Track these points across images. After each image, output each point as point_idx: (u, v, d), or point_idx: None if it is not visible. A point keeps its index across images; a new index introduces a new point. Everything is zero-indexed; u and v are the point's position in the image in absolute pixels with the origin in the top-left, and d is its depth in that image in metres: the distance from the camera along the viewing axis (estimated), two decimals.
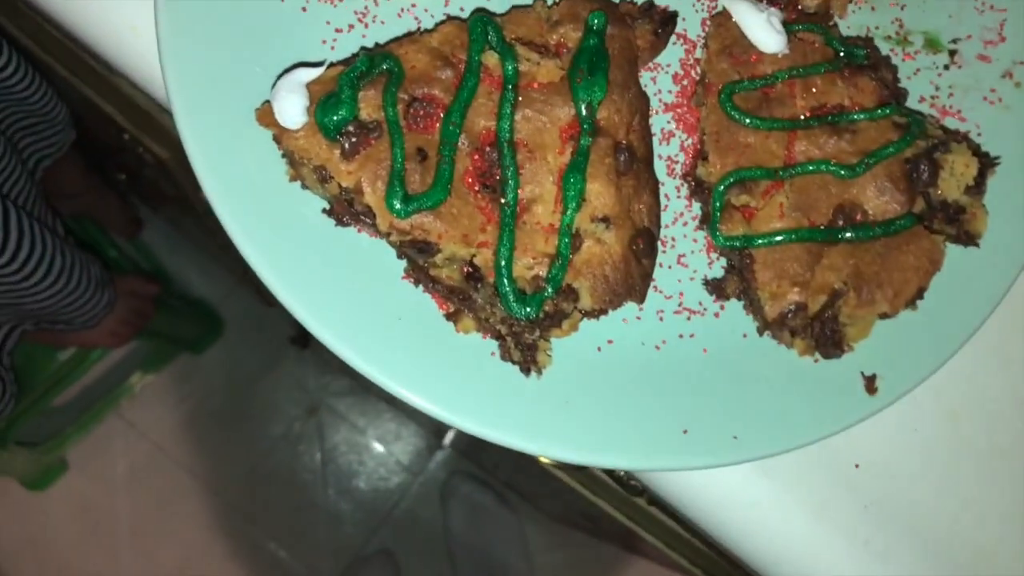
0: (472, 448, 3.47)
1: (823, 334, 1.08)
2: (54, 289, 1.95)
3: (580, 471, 1.72)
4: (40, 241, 1.85)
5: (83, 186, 2.76)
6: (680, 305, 1.14)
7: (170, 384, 3.34)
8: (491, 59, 1.06)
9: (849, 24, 1.24)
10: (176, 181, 2.18)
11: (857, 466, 1.21)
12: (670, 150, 1.18)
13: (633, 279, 1.06)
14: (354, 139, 1.02)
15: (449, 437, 3.56)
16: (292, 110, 1.01)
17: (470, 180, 1.04)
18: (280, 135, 1.02)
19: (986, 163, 1.13)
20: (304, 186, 1.06)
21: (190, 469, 3.31)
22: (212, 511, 3.31)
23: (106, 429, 3.21)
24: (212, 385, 3.44)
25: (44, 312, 2.09)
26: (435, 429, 3.53)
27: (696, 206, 1.17)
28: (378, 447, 3.56)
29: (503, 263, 1.02)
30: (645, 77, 1.19)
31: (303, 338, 3.44)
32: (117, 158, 2.65)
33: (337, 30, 1.13)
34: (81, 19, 1.17)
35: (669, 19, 1.15)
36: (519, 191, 1.04)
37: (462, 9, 1.16)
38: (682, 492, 1.22)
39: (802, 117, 1.11)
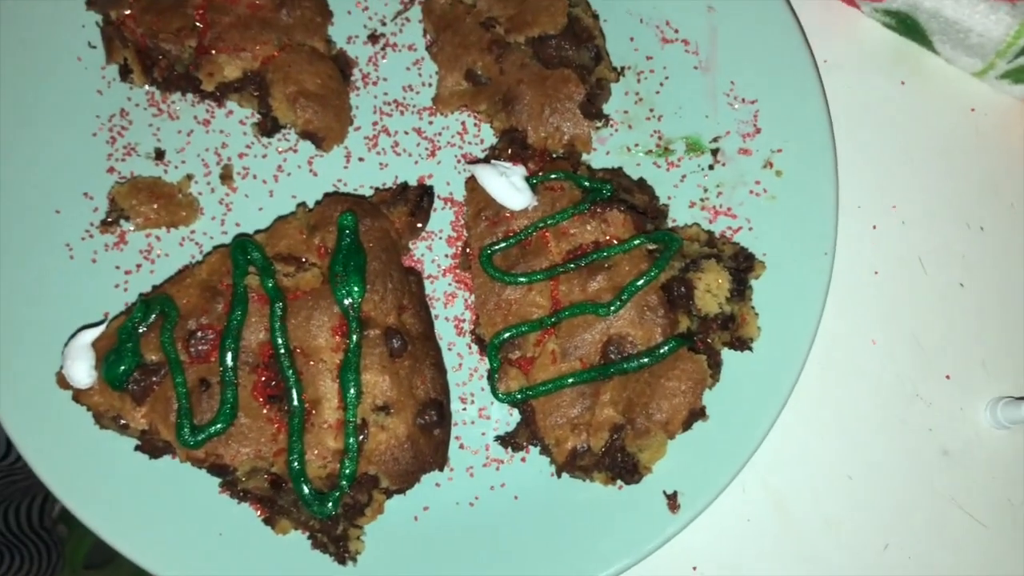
0: None
1: (615, 466, 1.14)
2: None
3: None
4: None
5: None
6: (488, 458, 1.21)
7: None
8: (254, 280, 1.15)
9: (609, 149, 1.30)
10: None
11: (695, 568, 1.26)
12: (455, 311, 1.25)
13: (425, 453, 1.14)
14: (141, 384, 1.11)
15: None
16: (80, 372, 1.11)
17: (259, 396, 1.13)
18: (77, 396, 1.12)
19: (744, 268, 1.18)
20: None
21: None
22: None
23: None
24: None
25: None
26: None
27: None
28: None
29: (295, 467, 1.10)
30: (421, 247, 1.27)
31: None
32: None
33: (127, 272, 1.23)
34: None
35: (423, 196, 1.23)
36: (303, 396, 1.13)
37: (238, 224, 1.26)
38: None
39: (559, 263, 1.18)
